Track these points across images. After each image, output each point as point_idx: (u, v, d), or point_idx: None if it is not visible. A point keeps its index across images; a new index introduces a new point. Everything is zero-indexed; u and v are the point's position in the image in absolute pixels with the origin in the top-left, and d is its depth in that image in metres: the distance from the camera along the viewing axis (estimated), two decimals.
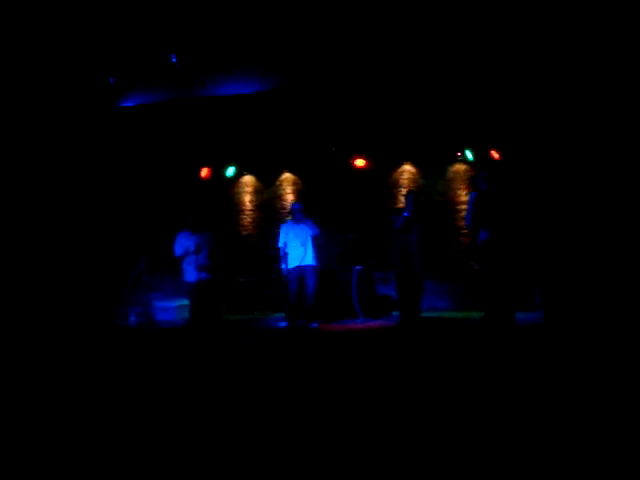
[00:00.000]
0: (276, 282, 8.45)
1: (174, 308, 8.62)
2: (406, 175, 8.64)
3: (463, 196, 8.33)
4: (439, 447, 2.78)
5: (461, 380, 4.10)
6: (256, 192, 9.32)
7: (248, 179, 9.35)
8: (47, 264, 7.95)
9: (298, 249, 7.16)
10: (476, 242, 6.36)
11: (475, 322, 6.49)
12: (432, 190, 8.49)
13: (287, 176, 9.18)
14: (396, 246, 6.99)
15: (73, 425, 3.43)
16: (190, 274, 7.26)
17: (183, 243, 7.24)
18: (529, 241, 7.74)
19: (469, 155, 8.17)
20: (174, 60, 8.06)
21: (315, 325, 7.18)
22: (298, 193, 9.09)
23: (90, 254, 8.38)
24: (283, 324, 7.40)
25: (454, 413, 3.30)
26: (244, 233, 9.29)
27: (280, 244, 7.37)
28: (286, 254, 7.26)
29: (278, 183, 9.22)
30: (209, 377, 4.64)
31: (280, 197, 9.13)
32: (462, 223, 8.34)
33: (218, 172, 9.10)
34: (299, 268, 7.20)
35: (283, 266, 7.35)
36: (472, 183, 6.35)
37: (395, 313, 7.85)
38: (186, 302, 8.86)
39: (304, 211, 7.39)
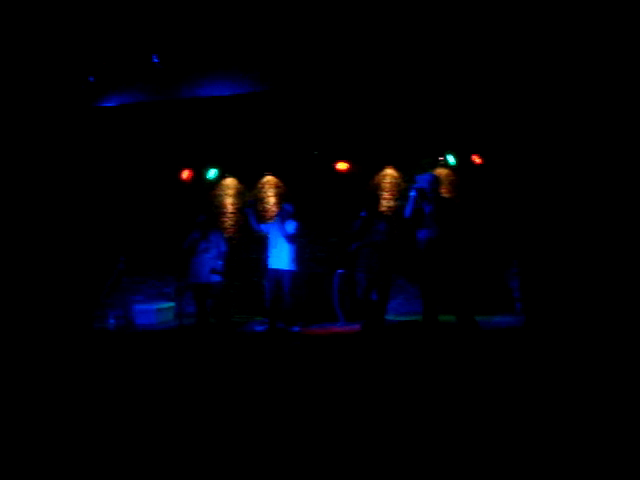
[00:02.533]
0: (257, 286, 8.43)
1: (154, 311, 8.53)
2: (388, 179, 8.67)
3: None
4: (426, 450, 2.76)
5: (447, 383, 4.09)
6: (238, 195, 9.27)
7: (230, 181, 9.30)
8: (24, 265, 7.81)
9: (274, 250, 7.10)
10: (415, 242, 6.24)
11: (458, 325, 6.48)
12: None
13: (269, 179, 9.15)
14: (359, 251, 6.82)
15: (51, 429, 3.36)
16: (200, 275, 7.18)
17: (193, 238, 7.21)
18: (509, 244, 7.82)
19: (451, 159, 8.22)
20: (156, 60, 7.98)
21: (296, 329, 7.14)
22: (280, 196, 9.06)
23: (68, 255, 8.26)
24: (261, 328, 7.35)
25: (440, 416, 3.29)
26: (225, 236, 9.21)
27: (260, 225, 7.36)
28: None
29: (260, 186, 9.19)
30: (189, 382, 4.58)
31: (262, 200, 9.09)
32: None
33: (199, 174, 9.04)
34: (275, 270, 7.13)
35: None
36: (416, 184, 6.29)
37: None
38: (167, 305, 8.84)
39: (292, 215, 7.32)
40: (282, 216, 7.24)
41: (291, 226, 7.16)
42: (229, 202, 9.29)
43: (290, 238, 7.15)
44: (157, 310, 8.55)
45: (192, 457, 2.80)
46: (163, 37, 7.86)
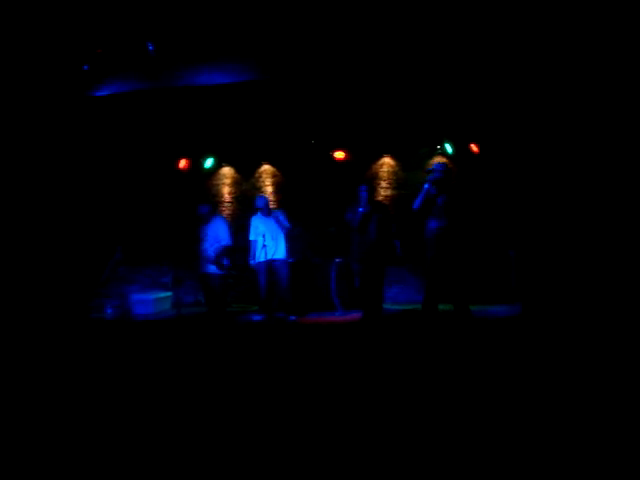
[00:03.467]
0: (254, 275, 8.43)
1: (152, 301, 8.53)
2: (386, 168, 8.65)
3: None
4: (425, 440, 2.78)
5: (446, 372, 4.11)
6: (235, 184, 9.25)
7: (227, 171, 9.27)
8: (21, 255, 7.79)
9: (269, 242, 7.08)
10: (424, 232, 6.25)
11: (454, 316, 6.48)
12: (412, 183, 8.49)
13: (266, 168, 9.11)
14: (355, 242, 6.74)
15: (48, 418, 3.36)
16: (207, 265, 7.23)
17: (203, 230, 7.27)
18: (506, 234, 7.83)
19: (448, 148, 8.21)
20: (151, 48, 7.90)
21: (293, 318, 7.16)
22: (277, 185, 9.04)
23: (65, 245, 8.23)
24: (257, 317, 7.36)
25: (440, 406, 3.31)
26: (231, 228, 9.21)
27: (252, 237, 7.25)
28: (257, 247, 7.15)
29: (257, 175, 9.16)
30: (188, 372, 4.59)
31: (259, 189, 9.06)
32: None
33: (196, 163, 9.00)
34: (269, 262, 7.10)
35: (251, 261, 7.22)
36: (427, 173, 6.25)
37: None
38: (164, 294, 8.84)
39: (270, 204, 7.42)
40: (265, 210, 7.23)
41: (284, 218, 7.16)
42: (226, 191, 9.27)
43: (289, 230, 7.20)
44: (155, 300, 8.55)
45: (190, 447, 2.82)
46: (158, 24, 7.76)
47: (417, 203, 6.13)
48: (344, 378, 4.09)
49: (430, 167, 6.33)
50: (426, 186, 6.07)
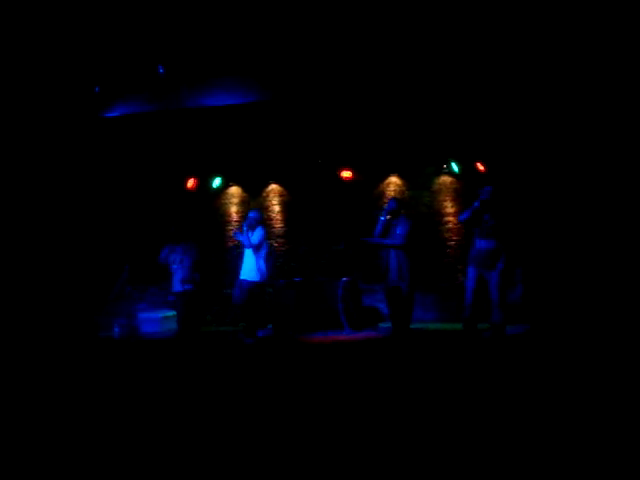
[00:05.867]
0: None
1: (159, 319, 8.54)
2: (392, 187, 8.69)
3: (449, 208, 8.41)
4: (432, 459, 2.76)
5: (454, 391, 4.08)
6: (242, 203, 9.32)
7: (234, 190, 9.35)
8: (29, 274, 7.85)
9: (243, 259, 7.01)
10: (471, 250, 6.36)
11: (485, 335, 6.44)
12: (418, 202, 8.54)
13: (273, 187, 9.19)
14: (381, 256, 6.75)
15: (56, 435, 3.36)
16: (175, 285, 7.45)
17: (166, 252, 7.50)
18: (513, 252, 7.79)
19: (455, 167, 8.24)
20: (161, 70, 8.05)
21: (249, 341, 6.83)
22: (284, 204, 9.10)
23: (73, 264, 8.29)
24: (260, 334, 7.34)
25: (449, 424, 3.28)
26: (230, 244, 9.26)
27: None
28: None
29: (264, 194, 9.23)
30: (194, 390, 4.58)
31: (266, 208, 9.12)
32: (448, 235, 8.43)
33: (204, 183, 9.09)
34: (242, 281, 6.92)
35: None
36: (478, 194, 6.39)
37: (382, 325, 7.87)
38: (171, 313, 8.84)
39: (258, 220, 7.04)
40: (249, 225, 6.93)
41: (256, 235, 6.87)
42: (234, 210, 9.34)
43: (256, 248, 6.86)
44: (162, 318, 8.55)
45: (194, 466, 2.81)
46: (168, 47, 7.92)
47: (464, 216, 6.33)
48: (349, 399, 4.06)
49: (481, 189, 6.41)
50: (476, 204, 6.21)
